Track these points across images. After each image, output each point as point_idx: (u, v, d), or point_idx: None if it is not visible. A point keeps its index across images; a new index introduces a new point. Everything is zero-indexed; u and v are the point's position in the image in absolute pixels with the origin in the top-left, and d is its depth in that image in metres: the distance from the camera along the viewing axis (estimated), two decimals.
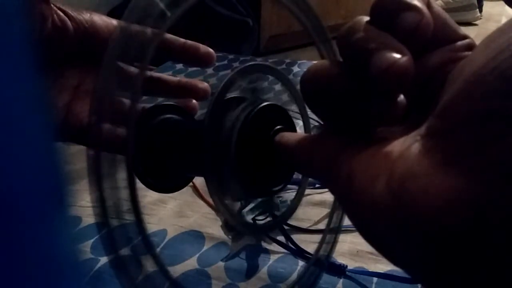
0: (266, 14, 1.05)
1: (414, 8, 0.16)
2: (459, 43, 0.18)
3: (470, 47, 0.18)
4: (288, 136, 0.22)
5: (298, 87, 0.20)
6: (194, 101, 0.36)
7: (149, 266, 0.22)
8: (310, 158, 0.19)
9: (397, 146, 0.15)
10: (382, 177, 0.15)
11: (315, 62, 0.19)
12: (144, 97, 0.38)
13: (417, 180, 0.13)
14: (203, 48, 0.35)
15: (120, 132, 0.21)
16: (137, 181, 0.30)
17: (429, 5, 0.17)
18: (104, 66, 0.21)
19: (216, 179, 0.24)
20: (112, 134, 0.21)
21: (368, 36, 0.16)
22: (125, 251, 0.21)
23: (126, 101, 0.22)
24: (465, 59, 0.15)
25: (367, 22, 0.17)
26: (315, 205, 0.48)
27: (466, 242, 0.12)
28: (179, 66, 0.85)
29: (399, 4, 0.16)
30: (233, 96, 0.26)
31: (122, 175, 0.21)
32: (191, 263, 0.41)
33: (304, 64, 0.87)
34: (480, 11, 1.34)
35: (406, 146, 0.15)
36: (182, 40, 0.34)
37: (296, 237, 0.43)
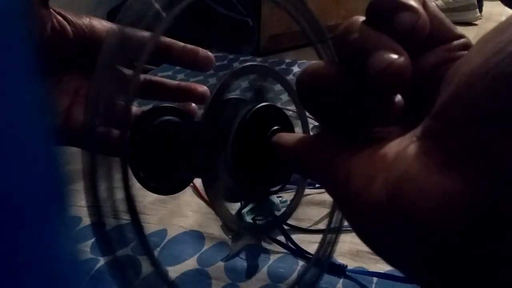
0: (266, 14, 1.05)
1: (410, 8, 0.16)
2: (455, 42, 0.18)
3: (466, 46, 0.18)
4: (285, 136, 0.22)
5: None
6: (193, 104, 0.36)
7: (147, 267, 0.22)
8: (307, 159, 0.19)
9: (393, 147, 0.15)
10: (379, 178, 0.15)
11: (311, 62, 0.19)
12: (143, 100, 0.38)
13: (413, 181, 0.13)
14: (202, 52, 0.34)
15: (115, 134, 0.21)
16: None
17: (425, 5, 0.17)
18: (98, 68, 0.20)
19: (214, 180, 0.24)
20: (107, 136, 0.21)
21: (365, 36, 0.16)
22: (122, 253, 0.21)
23: (121, 103, 0.22)
24: (461, 59, 0.15)
25: (363, 22, 0.17)
26: (315, 205, 0.48)
27: (463, 243, 0.12)
28: None
29: (395, 4, 0.16)
30: (230, 96, 0.26)
31: (118, 176, 0.21)
32: (191, 263, 0.41)
33: (304, 64, 0.87)
34: (480, 11, 1.33)
35: (403, 147, 0.15)
36: (181, 43, 0.34)
37: (296, 237, 0.43)
